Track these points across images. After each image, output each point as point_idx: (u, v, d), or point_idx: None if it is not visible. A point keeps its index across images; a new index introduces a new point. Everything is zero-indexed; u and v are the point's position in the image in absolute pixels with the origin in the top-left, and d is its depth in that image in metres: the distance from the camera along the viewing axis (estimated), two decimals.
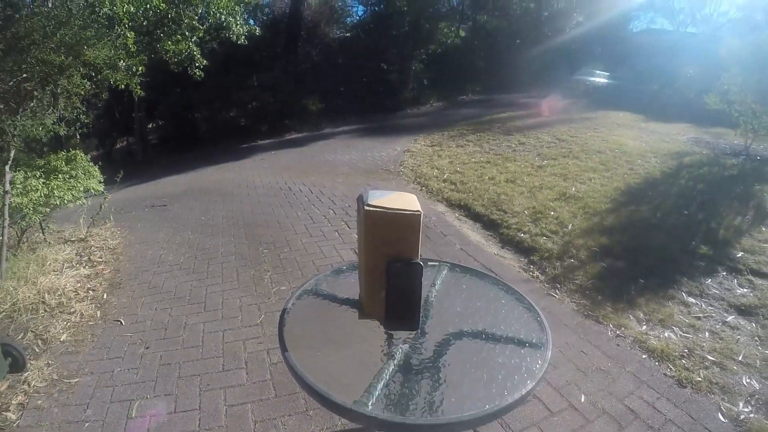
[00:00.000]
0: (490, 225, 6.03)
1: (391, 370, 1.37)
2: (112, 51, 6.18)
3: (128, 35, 6.89)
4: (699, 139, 11.06)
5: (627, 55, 24.29)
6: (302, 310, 1.70)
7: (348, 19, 28.32)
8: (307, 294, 1.82)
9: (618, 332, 3.61)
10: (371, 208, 1.21)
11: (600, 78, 22.31)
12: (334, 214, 6.64)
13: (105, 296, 4.49)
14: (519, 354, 1.47)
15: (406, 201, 1.26)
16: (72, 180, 5.71)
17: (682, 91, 17.41)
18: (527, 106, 17.79)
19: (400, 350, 1.46)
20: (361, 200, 1.24)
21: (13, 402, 2.98)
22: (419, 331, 1.53)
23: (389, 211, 1.22)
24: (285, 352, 1.42)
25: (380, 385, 1.30)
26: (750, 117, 9.12)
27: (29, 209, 5.00)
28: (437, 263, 2.01)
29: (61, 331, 3.81)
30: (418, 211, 1.23)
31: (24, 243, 5.48)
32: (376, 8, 25.68)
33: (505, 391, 1.29)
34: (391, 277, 1.26)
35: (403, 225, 1.22)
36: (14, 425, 2.82)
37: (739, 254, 4.77)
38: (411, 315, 1.31)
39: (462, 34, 29.76)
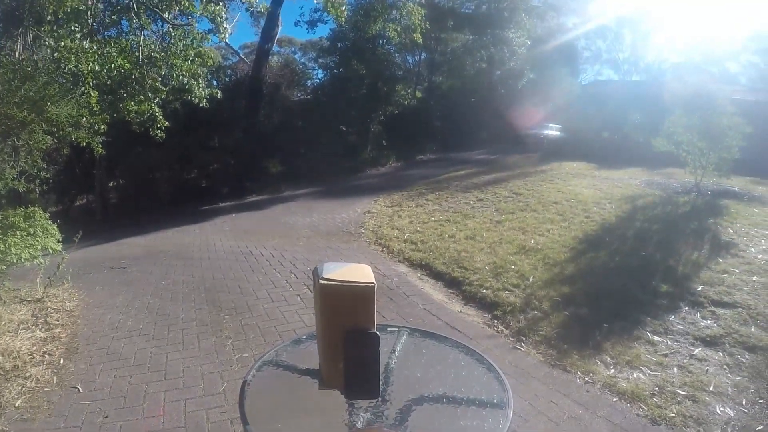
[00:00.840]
0: (452, 283, 6.16)
1: None
2: (75, 109, 6.21)
3: (92, 94, 6.95)
4: (651, 181, 11.54)
5: (577, 106, 25.16)
6: (263, 382, 1.72)
7: (308, 82, 28.94)
8: (267, 365, 1.84)
9: (587, 378, 3.72)
10: (326, 282, 1.22)
11: (553, 131, 23.09)
12: (295, 278, 6.68)
13: (62, 361, 4.40)
14: (481, 415, 1.49)
15: (360, 272, 1.27)
16: (30, 238, 5.63)
17: (631, 137, 18.08)
18: (484, 163, 18.32)
19: (362, 419, 1.45)
20: (316, 273, 1.28)
21: None
22: (380, 398, 1.54)
23: (344, 283, 1.23)
24: (246, 425, 1.46)
25: None
26: (697, 155, 9.65)
27: None
28: (396, 329, 2.03)
29: (15, 396, 3.71)
30: (372, 282, 1.23)
31: None
32: (335, 71, 26.30)
33: None
34: (349, 348, 1.30)
35: (358, 296, 1.23)
36: None
37: (699, 287, 5.02)
38: (370, 383, 1.37)
39: (418, 95, 30.59)
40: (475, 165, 18.19)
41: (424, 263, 6.97)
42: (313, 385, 1.66)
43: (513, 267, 6.21)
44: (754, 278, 5.26)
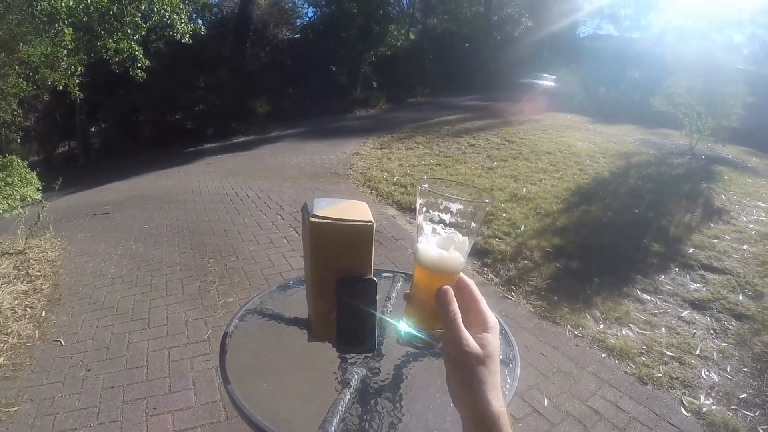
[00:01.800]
0: None
1: (347, 400, 1.26)
2: (49, 48, 5.94)
3: (66, 31, 6.61)
4: (646, 140, 11.46)
5: (574, 59, 24.83)
6: (246, 333, 1.57)
7: (298, 20, 28.11)
8: (251, 314, 1.69)
9: (576, 332, 3.68)
10: (317, 219, 1.03)
11: (547, 81, 22.74)
12: (282, 220, 6.56)
13: (44, 314, 4.29)
14: None
15: (356, 210, 1.08)
16: (7, 188, 5.46)
17: (628, 93, 17.94)
18: (476, 109, 18.00)
19: (356, 376, 1.34)
20: (305, 210, 1.10)
21: None
22: (375, 352, 1.44)
23: (338, 222, 1.04)
24: (227, 384, 1.31)
25: (335, 420, 1.22)
26: (695, 119, 9.52)
27: None
28: (391, 274, 1.90)
29: None
30: (371, 221, 1.04)
31: None
32: (326, 9, 25.56)
33: None
34: (342, 296, 1.14)
35: (354, 238, 1.06)
36: None
37: (690, 250, 4.97)
38: (366, 335, 1.22)
39: (412, 36, 29.96)
40: (467, 110, 17.88)
41: (413, 207, 6.84)
42: (302, 337, 1.51)
43: (504, 215, 6.12)
44: (744, 247, 5.22)
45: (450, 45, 28.67)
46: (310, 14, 28.49)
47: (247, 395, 1.27)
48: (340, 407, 1.24)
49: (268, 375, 1.44)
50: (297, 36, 26.57)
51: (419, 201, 0.85)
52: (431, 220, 0.84)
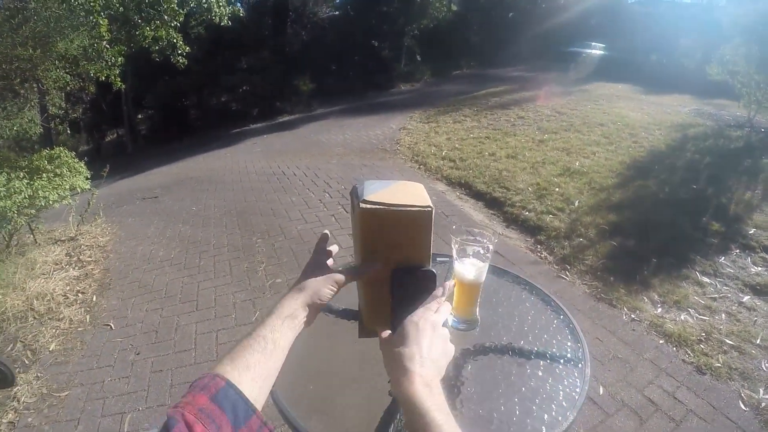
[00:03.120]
0: (493, 203, 5.82)
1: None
2: (87, 41, 5.93)
3: (101, 22, 6.58)
4: (701, 110, 10.85)
5: (623, 26, 23.91)
6: None
7: None
8: None
9: (633, 316, 3.44)
10: (369, 206, 0.91)
11: (596, 50, 21.99)
12: (330, 198, 6.43)
13: (94, 298, 4.29)
14: (554, 373, 1.24)
15: (412, 193, 0.96)
16: (57, 179, 5.48)
17: (681, 61, 17.16)
18: (524, 80, 17.52)
19: None
20: (355, 194, 0.95)
21: (3, 421, 2.82)
22: None
23: (392, 208, 0.91)
24: (277, 399, 1.18)
25: (390, 430, 1.07)
26: (754, 89, 8.89)
27: (13, 212, 4.78)
28: (447, 258, 1.74)
29: (50, 339, 3.62)
30: (429, 206, 0.92)
31: (13, 246, 5.28)
32: None
33: (543, 427, 1.08)
34: (398, 288, 0.98)
35: (411, 225, 0.92)
36: None
37: (752, 231, 4.59)
38: None
39: (454, 8, 29.29)
40: (513, 82, 17.38)
41: (463, 182, 6.63)
42: (352, 331, 1.36)
43: (557, 189, 5.83)
44: None
45: (494, 15, 27.88)
46: None
47: (291, 399, 1.17)
48: (396, 416, 1.10)
49: (315, 376, 1.31)
50: (337, 13, 26.32)
51: (454, 246, 1.32)
52: (464, 253, 1.32)
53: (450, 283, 1.03)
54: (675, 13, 23.36)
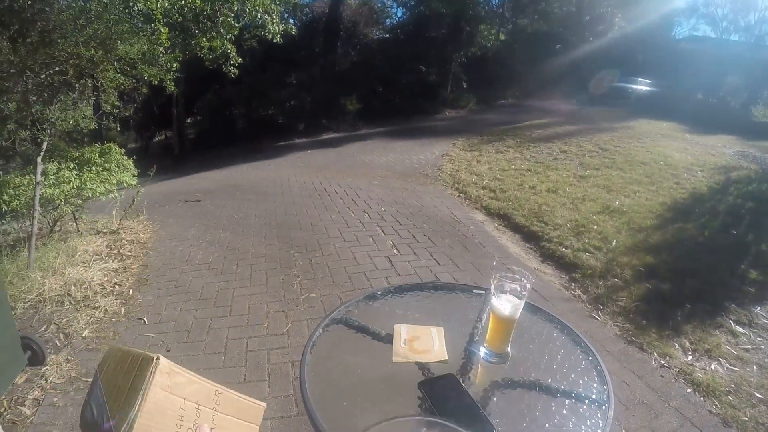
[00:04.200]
0: (530, 237, 5.78)
1: None
2: (146, 46, 6.13)
3: (161, 30, 6.81)
4: (746, 152, 10.66)
5: (669, 62, 23.73)
6: (329, 344, 1.50)
7: (387, 20, 28.10)
8: (336, 323, 1.60)
9: (662, 362, 3.35)
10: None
11: (642, 86, 21.79)
12: (369, 219, 6.46)
13: (131, 292, 4.37)
14: (578, 413, 1.25)
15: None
16: (105, 173, 5.64)
17: (727, 101, 16.94)
18: (568, 113, 17.44)
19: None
20: None
21: (29, 397, 2.88)
22: (460, 377, 1.35)
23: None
24: (308, 405, 1.21)
25: None
26: None
27: (61, 200, 4.95)
28: (483, 291, 1.78)
29: (84, 326, 3.70)
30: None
31: (56, 232, 5.44)
32: (416, 10, 25.47)
33: None
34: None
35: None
36: (28, 421, 2.72)
37: None
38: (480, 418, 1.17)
39: (502, 37, 29.43)
40: (558, 114, 17.36)
41: (502, 213, 6.59)
42: (386, 354, 1.44)
43: (595, 227, 5.75)
44: None
45: (540, 46, 27.84)
46: (399, 14, 28.44)
47: (326, 414, 1.20)
48: None
49: (349, 394, 1.33)
50: (387, 36, 26.61)
51: (493, 282, 1.39)
52: (501, 290, 1.38)
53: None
54: (722, 52, 23.14)
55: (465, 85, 24.96)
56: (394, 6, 28.13)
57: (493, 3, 31.14)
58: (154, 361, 1.03)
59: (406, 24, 25.90)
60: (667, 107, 16.87)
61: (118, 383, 1.02)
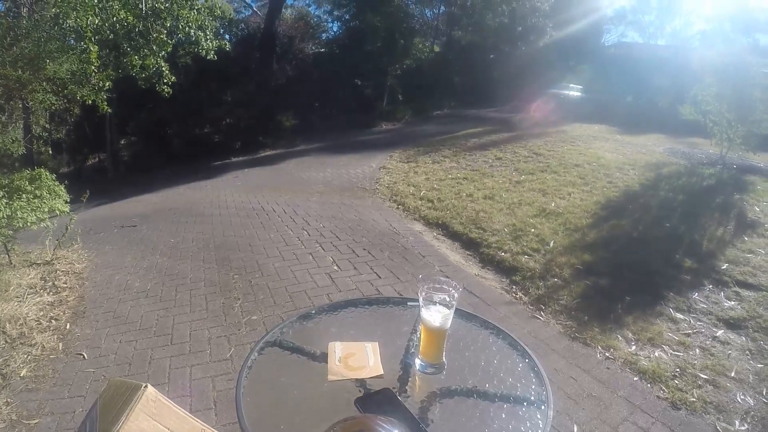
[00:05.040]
0: (469, 244, 5.95)
1: None
2: (76, 65, 6.01)
3: (91, 48, 6.68)
4: (675, 149, 11.23)
5: (600, 68, 24.63)
6: (264, 368, 1.52)
7: (323, 35, 28.26)
8: (271, 346, 1.64)
9: (607, 354, 3.53)
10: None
11: (573, 91, 22.53)
12: (308, 236, 6.50)
13: (68, 326, 4.28)
14: (516, 416, 1.31)
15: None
16: (36, 200, 5.49)
17: (655, 102, 17.70)
18: (502, 121, 17.88)
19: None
20: None
21: None
22: (398, 389, 1.39)
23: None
24: (245, 430, 1.25)
25: None
26: (725, 127, 9.28)
27: None
28: (417, 303, 1.83)
29: (21, 365, 3.60)
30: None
31: None
32: (351, 24, 25.64)
33: None
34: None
35: None
36: None
37: (724, 266, 4.79)
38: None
39: (437, 49, 29.87)
40: (493, 123, 17.78)
41: (440, 222, 6.75)
42: (322, 374, 1.48)
43: (533, 230, 5.98)
44: None
45: (475, 56, 28.38)
46: (335, 28, 28.56)
47: None
48: None
49: (286, 416, 1.37)
50: (323, 50, 26.70)
51: (421, 294, 1.43)
52: (430, 301, 1.41)
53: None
54: (650, 56, 24.19)
55: (401, 98, 25.24)
56: (330, 20, 28.25)
57: (428, 16, 31.66)
58: (142, 388, 1.16)
59: (342, 38, 26.02)
60: (598, 111, 17.50)
61: (110, 406, 1.13)
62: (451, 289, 1.41)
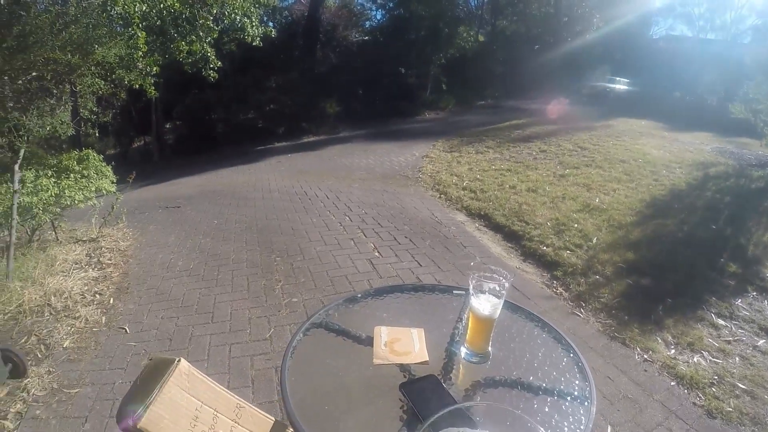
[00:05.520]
0: (511, 236, 5.82)
1: None
2: (124, 50, 6.07)
3: (139, 34, 6.75)
4: (723, 149, 10.83)
5: (647, 61, 24.03)
6: (309, 349, 1.50)
7: (367, 22, 28.26)
8: (316, 327, 1.60)
9: (645, 356, 3.40)
10: None
11: (620, 85, 22.04)
12: (350, 221, 6.47)
13: (111, 301, 4.34)
14: (560, 410, 1.26)
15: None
16: (84, 180, 5.59)
17: (704, 99, 17.17)
18: (546, 113, 17.57)
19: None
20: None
21: (11, 410, 2.85)
22: (442, 377, 1.36)
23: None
24: (289, 409, 1.22)
25: None
26: None
27: (39, 209, 4.87)
28: (463, 291, 1.77)
29: (64, 336, 3.66)
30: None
31: (35, 241, 5.38)
32: (395, 12, 25.54)
33: None
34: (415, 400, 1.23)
35: None
36: None
37: None
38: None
39: (481, 38, 29.61)
40: (537, 114, 17.53)
41: (483, 213, 6.64)
42: (368, 357, 1.45)
43: (576, 225, 5.81)
44: None
45: (519, 47, 28.04)
46: (378, 16, 28.54)
47: (307, 419, 1.20)
48: None
49: (330, 398, 1.33)
50: (366, 38, 26.71)
51: (471, 282, 1.39)
52: (480, 290, 1.38)
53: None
54: (699, 50, 23.50)
55: (444, 87, 25.08)
56: (373, 8, 28.29)
57: (472, 5, 31.42)
58: (176, 362, 1.16)
59: (386, 26, 26.01)
60: (645, 105, 17.08)
61: (148, 380, 1.15)
62: (501, 278, 1.39)
